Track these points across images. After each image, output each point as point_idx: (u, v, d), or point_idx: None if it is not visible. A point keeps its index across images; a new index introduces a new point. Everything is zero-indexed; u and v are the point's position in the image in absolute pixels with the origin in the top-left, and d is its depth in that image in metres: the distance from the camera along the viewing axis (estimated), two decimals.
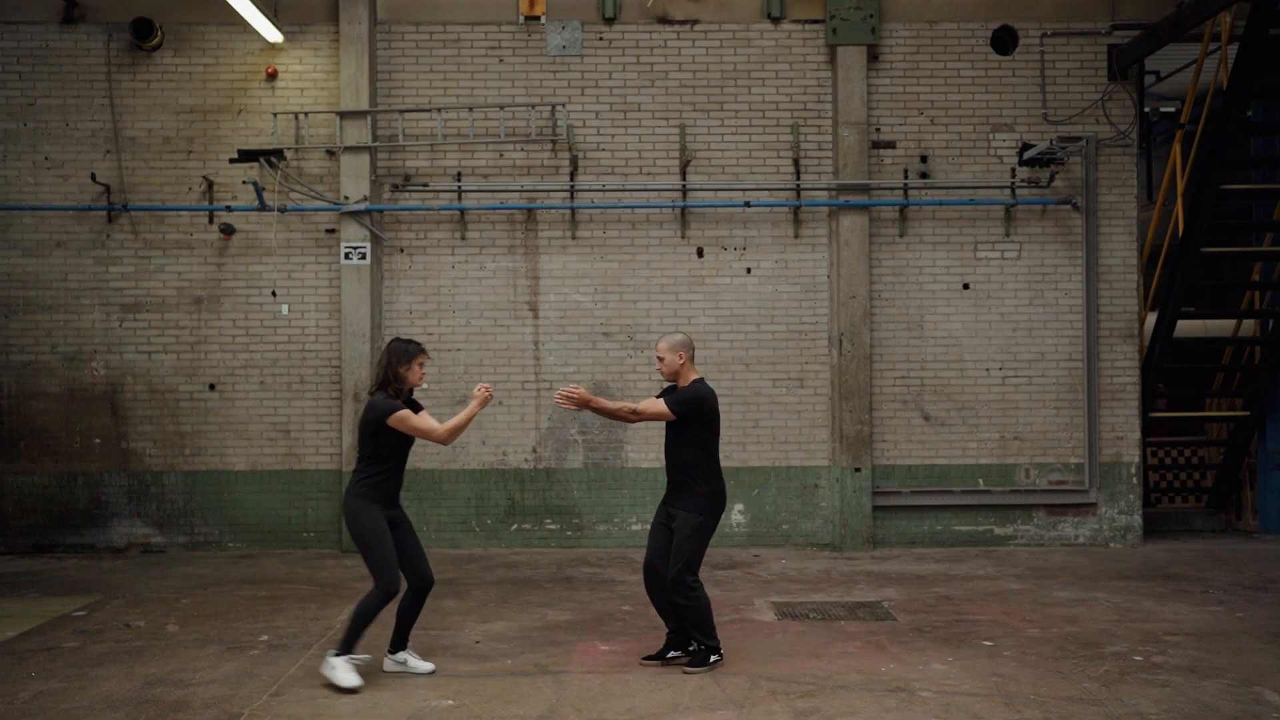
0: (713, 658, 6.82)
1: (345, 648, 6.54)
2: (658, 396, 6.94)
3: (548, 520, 11.37)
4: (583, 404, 6.57)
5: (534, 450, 11.40)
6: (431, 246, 11.44)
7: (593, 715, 6.04)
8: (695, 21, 11.52)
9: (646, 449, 11.34)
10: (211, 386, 11.37)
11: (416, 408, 6.79)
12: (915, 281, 11.49)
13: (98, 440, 11.33)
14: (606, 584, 9.57)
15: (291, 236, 11.42)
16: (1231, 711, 6.04)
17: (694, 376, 6.88)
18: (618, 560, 10.66)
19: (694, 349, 6.97)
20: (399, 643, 6.88)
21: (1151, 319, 12.49)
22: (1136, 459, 11.48)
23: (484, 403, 6.63)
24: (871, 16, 11.30)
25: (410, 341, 6.75)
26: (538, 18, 11.46)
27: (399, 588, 6.58)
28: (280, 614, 8.44)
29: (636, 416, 6.79)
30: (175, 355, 11.38)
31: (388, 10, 11.43)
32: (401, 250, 11.43)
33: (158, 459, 11.35)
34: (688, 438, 6.78)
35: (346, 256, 11.21)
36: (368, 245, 11.20)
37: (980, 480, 11.43)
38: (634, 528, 11.35)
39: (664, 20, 11.51)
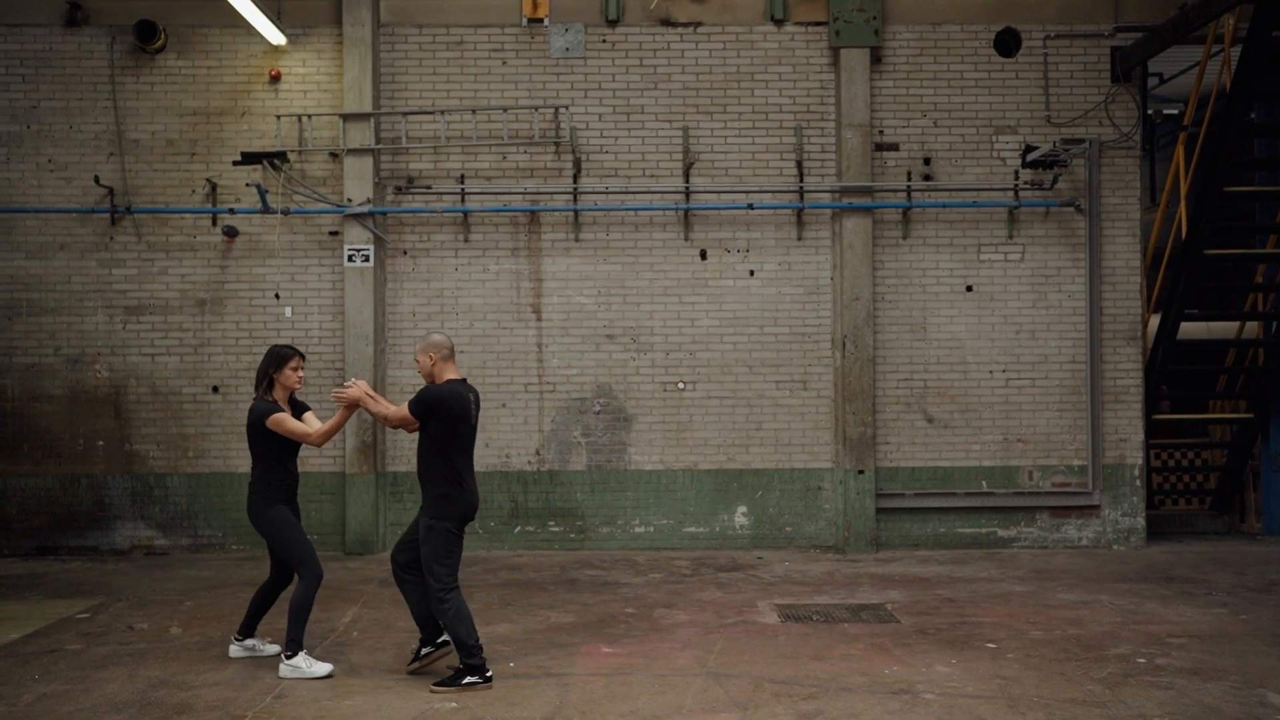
0: (467, 678, 6.47)
1: (293, 646, 6.76)
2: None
3: (551, 522, 11.38)
4: (353, 403, 6.66)
5: (537, 452, 11.40)
6: (435, 249, 11.45)
7: (596, 717, 6.04)
8: (698, 24, 11.52)
9: (650, 451, 11.35)
10: (215, 389, 11.38)
11: (302, 408, 7.12)
12: (918, 283, 11.48)
13: (101, 442, 11.34)
14: (610, 586, 9.57)
15: (295, 239, 11.43)
16: (1235, 713, 6.03)
17: (450, 377, 6.79)
18: (621, 563, 10.66)
19: (450, 349, 6.85)
20: (248, 629, 7.24)
21: (1155, 321, 12.48)
22: (1140, 461, 11.47)
23: (352, 407, 6.78)
24: (874, 19, 11.31)
25: (287, 347, 7.07)
26: (541, 20, 11.47)
27: (323, 570, 6.98)
28: (283, 616, 8.41)
29: (386, 421, 6.74)
30: (178, 357, 11.39)
31: (391, 13, 11.44)
32: (405, 253, 11.44)
33: (161, 461, 11.36)
34: (425, 440, 6.74)
35: (350, 259, 11.22)
36: (371, 248, 11.20)
37: (983, 482, 11.42)
38: (637, 530, 11.35)
39: (667, 22, 11.52)
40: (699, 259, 11.47)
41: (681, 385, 11.42)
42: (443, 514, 6.72)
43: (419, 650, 6.87)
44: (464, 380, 6.89)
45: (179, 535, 11.33)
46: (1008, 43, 11.50)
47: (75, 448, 11.34)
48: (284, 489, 6.97)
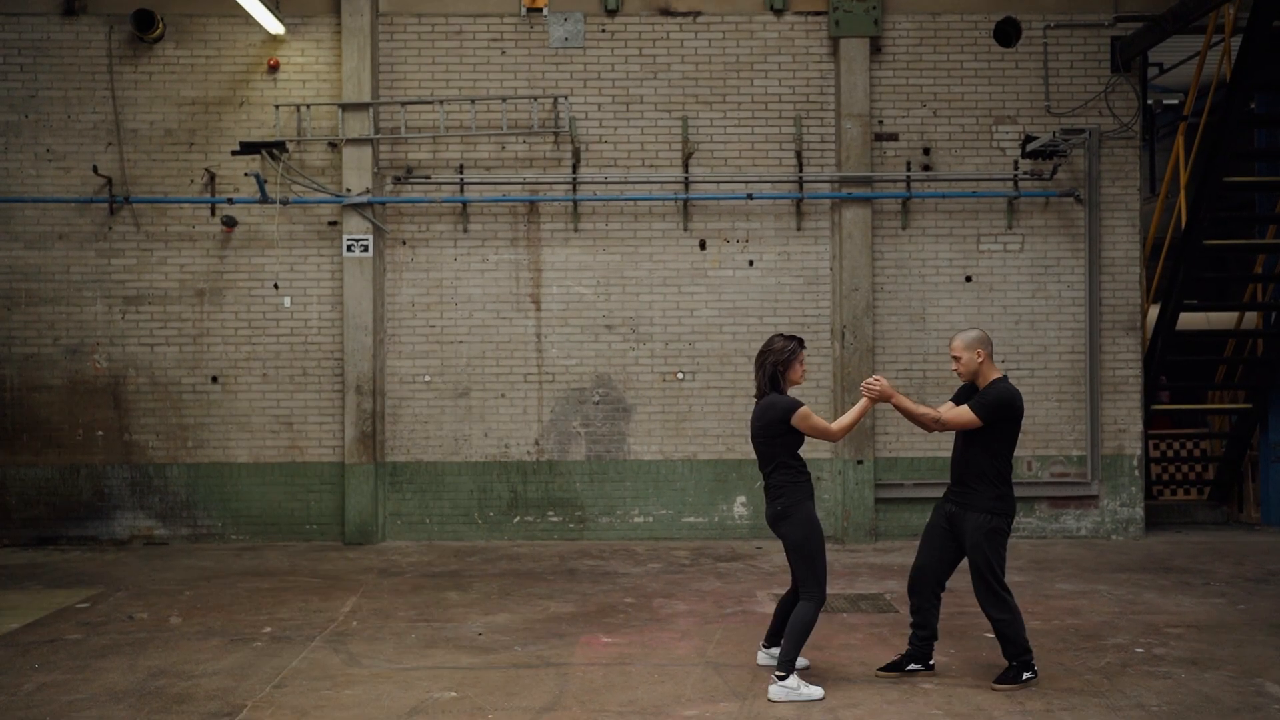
0: (1025, 674, 6.32)
1: (786, 667, 6.23)
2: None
3: (550, 513, 11.38)
4: (884, 397, 6.23)
5: (536, 443, 11.40)
6: (434, 239, 11.44)
7: (595, 707, 6.05)
8: (698, 13, 11.49)
9: (649, 441, 11.35)
10: (214, 379, 11.38)
11: None
12: (918, 274, 11.48)
13: (100, 432, 11.35)
14: (609, 576, 9.58)
15: (294, 229, 11.41)
16: (1233, 703, 6.05)
17: (994, 375, 6.37)
18: (620, 552, 10.67)
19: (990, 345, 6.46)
20: (774, 638, 6.74)
21: (1154, 312, 12.47)
22: (1138, 451, 11.48)
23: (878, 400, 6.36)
24: (874, 8, 11.28)
25: (795, 338, 6.53)
26: (540, 10, 11.44)
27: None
28: (283, 606, 8.45)
29: (940, 425, 6.30)
30: (178, 348, 11.39)
31: (389, 2, 11.41)
32: (404, 243, 11.43)
33: (160, 451, 11.36)
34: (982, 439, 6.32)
35: (349, 249, 11.21)
36: (370, 237, 11.19)
37: None
38: (636, 520, 11.36)
39: (666, 12, 11.49)
40: (698, 249, 11.46)
41: (681, 375, 11.42)
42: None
43: (903, 663, 6.59)
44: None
45: (178, 525, 11.34)
46: (1008, 32, 11.47)
47: (74, 438, 11.34)
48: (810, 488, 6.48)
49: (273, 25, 11.10)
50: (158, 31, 11.28)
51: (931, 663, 6.60)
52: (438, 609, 8.34)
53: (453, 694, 6.28)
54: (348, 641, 7.42)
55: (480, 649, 7.23)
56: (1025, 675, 6.33)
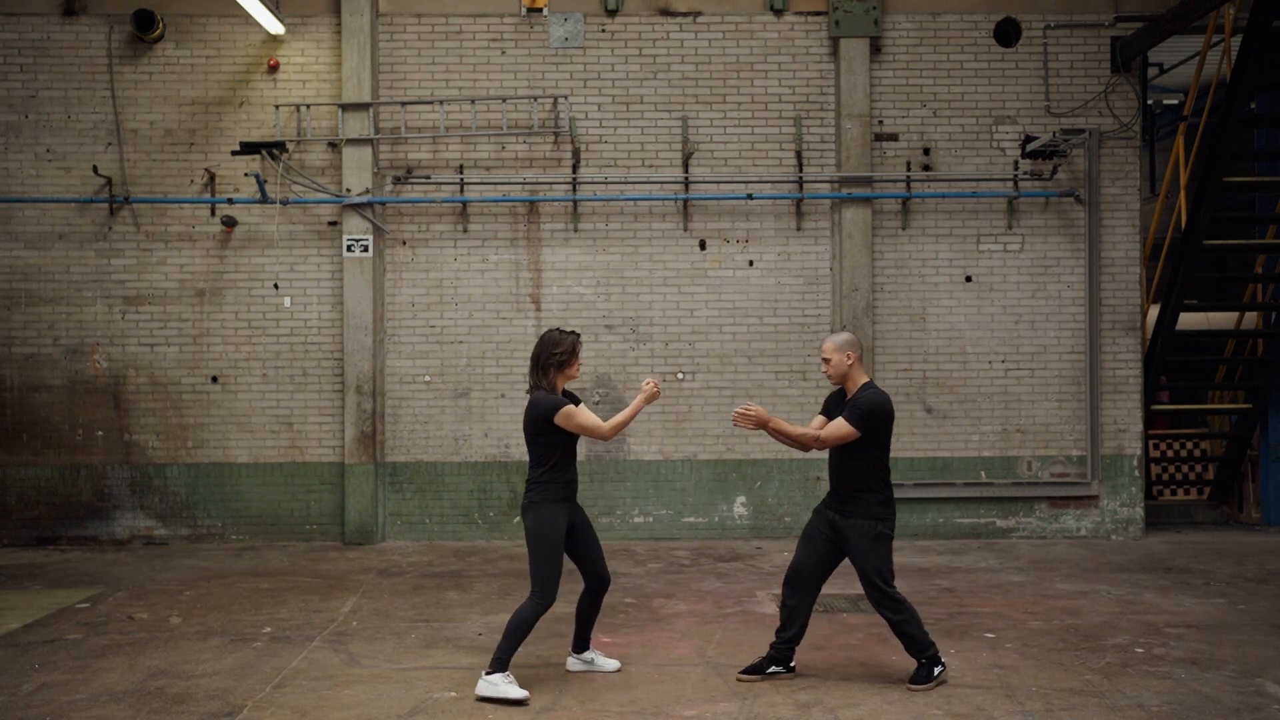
0: (936, 669, 6.32)
1: (497, 665, 6.18)
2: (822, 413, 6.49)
3: None
4: (759, 424, 6.17)
5: None
6: (434, 239, 11.44)
7: (595, 707, 6.05)
8: (698, 13, 11.50)
9: (649, 441, 11.35)
10: (214, 379, 11.38)
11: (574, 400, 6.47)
12: (918, 274, 11.48)
13: (100, 432, 11.35)
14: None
15: (294, 229, 11.41)
16: (1232, 703, 6.05)
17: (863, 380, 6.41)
18: (620, 553, 10.67)
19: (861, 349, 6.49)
20: (582, 643, 6.77)
21: (1154, 312, 12.48)
22: (1138, 452, 11.48)
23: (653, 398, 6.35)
24: (874, 8, 11.28)
25: (573, 333, 6.52)
26: (540, 10, 11.44)
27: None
28: (283, 606, 8.45)
29: (819, 444, 6.26)
30: (178, 348, 11.39)
31: (389, 2, 11.41)
32: (404, 243, 11.43)
33: (160, 451, 11.36)
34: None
35: (349, 249, 11.21)
36: (370, 238, 11.19)
37: (982, 473, 11.43)
38: (636, 520, 11.36)
39: (666, 12, 11.49)
40: (698, 249, 11.46)
41: (680, 375, 11.42)
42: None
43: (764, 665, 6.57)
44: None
45: (178, 525, 11.34)
46: (1007, 32, 11.48)
47: (74, 438, 11.34)
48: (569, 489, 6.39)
49: (273, 25, 11.10)
50: (158, 31, 11.28)
51: (793, 665, 6.55)
52: (438, 609, 8.34)
53: (453, 694, 6.28)
54: (348, 641, 7.41)
55: (480, 649, 7.22)
56: (936, 670, 6.34)
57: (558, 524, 6.23)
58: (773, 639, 6.59)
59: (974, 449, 11.44)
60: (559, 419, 6.18)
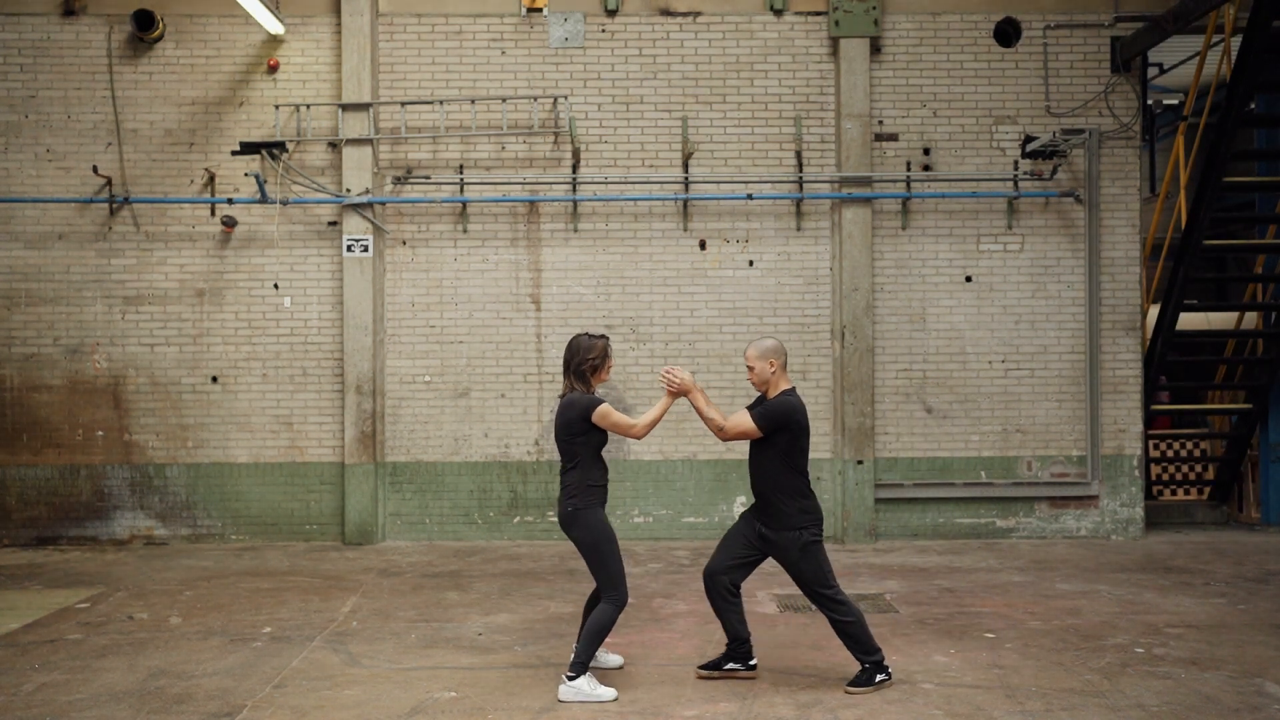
0: (878, 676, 6.31)
1: (578, 668, 6.23)
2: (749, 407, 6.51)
3: (550, 513, 11.38)
4: (682, 391, 6.36)
5: (536, 443, 11.40)
6: (434, 239, 11.44)
7: (595, 707, 6.05)
8: (698, 13, 11.50)
9: (648, 441, 11.35)
10: (214, 379, 11.38)
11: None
12: (918, 274, 11.48)
13: (100, 433, 11.34)
14: None
15: (294, 229, 11.41)
16: (1232, 703, 6.05)
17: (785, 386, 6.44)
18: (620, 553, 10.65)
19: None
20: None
21: (1154, 312, 12.48)
22: (1138, 451, 11.48)
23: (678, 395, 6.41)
24: (874, 8, 11.28)
25: (603, 336, 6.64)
26: (540, 10, 11.44)
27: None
28: (283, 606, 8.45)
29: (723, 434, 6.37)
30: (178, 348, 11.39)
31: (389, 2, 11.41)
32: (404, 243, 11.43)
33: (160, 451, 11.36)
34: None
35: (349, 249, 11.21)
36: (370, 237, 11.19)
37: (982, 473, 11.43)
38: (636, 520, 11.36)
39: (666, 12, 11.49)
40: (698, 249, 11.46)
41: None
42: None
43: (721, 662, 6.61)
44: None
45: (178, 525, 11.34)
46: (1007, 33, 11.48)
47: (74, 438, 11.34)
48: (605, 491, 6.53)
49: (273, 25, 11.10)
50: (158, 31, 11.28)
51: (753, 662, 6.57)
52: (438, 609, 8.34)
53: (453, 694, 6.28)
54: (348, 641, 7.41)
55: (480, 649, 7.23)
56: (879, 678, 6.32)
57: (607, 524, 6.41)
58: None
59: (974, 449, 11.44)
60: (596, 418, 6.32)
